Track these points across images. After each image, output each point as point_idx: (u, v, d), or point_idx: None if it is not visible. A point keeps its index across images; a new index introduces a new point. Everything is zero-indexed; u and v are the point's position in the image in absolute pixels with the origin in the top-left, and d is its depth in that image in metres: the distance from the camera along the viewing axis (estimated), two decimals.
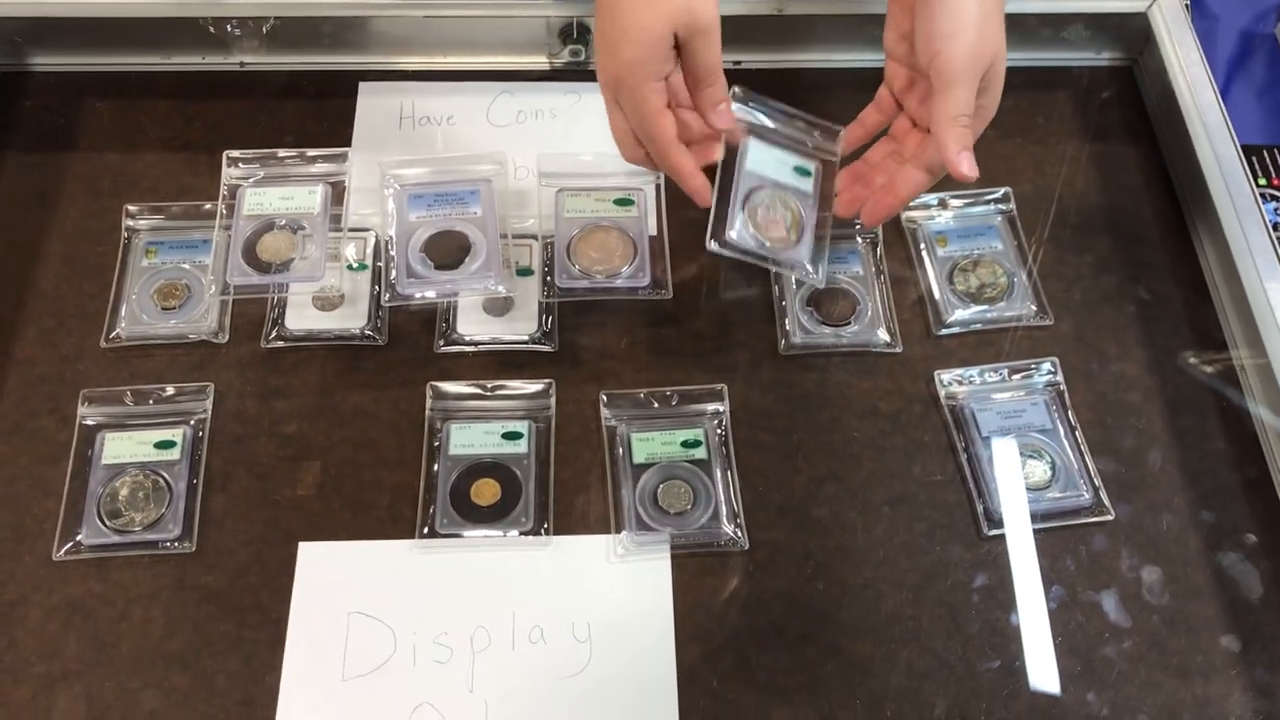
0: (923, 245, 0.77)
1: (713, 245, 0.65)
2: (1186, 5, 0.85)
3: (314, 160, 0.74)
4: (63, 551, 0.64)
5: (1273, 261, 0.71)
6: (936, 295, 0.75)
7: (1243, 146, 0.77)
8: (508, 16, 0.82)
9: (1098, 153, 0.82)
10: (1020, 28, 0.84)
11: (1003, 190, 0.79)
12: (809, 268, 0.68)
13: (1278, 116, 0.86)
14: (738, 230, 0.66)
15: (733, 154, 0.67)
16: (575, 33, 0.83)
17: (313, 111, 0.83)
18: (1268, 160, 0.83)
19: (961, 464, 0.68)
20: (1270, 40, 0.90)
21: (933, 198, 0.79)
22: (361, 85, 0.84)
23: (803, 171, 0.69)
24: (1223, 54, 0.89)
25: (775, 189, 0.68)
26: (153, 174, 0.79)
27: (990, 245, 0.78)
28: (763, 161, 0.68)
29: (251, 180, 0.73)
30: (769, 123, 0.69)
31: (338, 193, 0.72)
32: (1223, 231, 0.74)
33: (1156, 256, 0.78)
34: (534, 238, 0.75)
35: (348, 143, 0.81)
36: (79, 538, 0.64)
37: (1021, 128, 0.83)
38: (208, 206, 0.75)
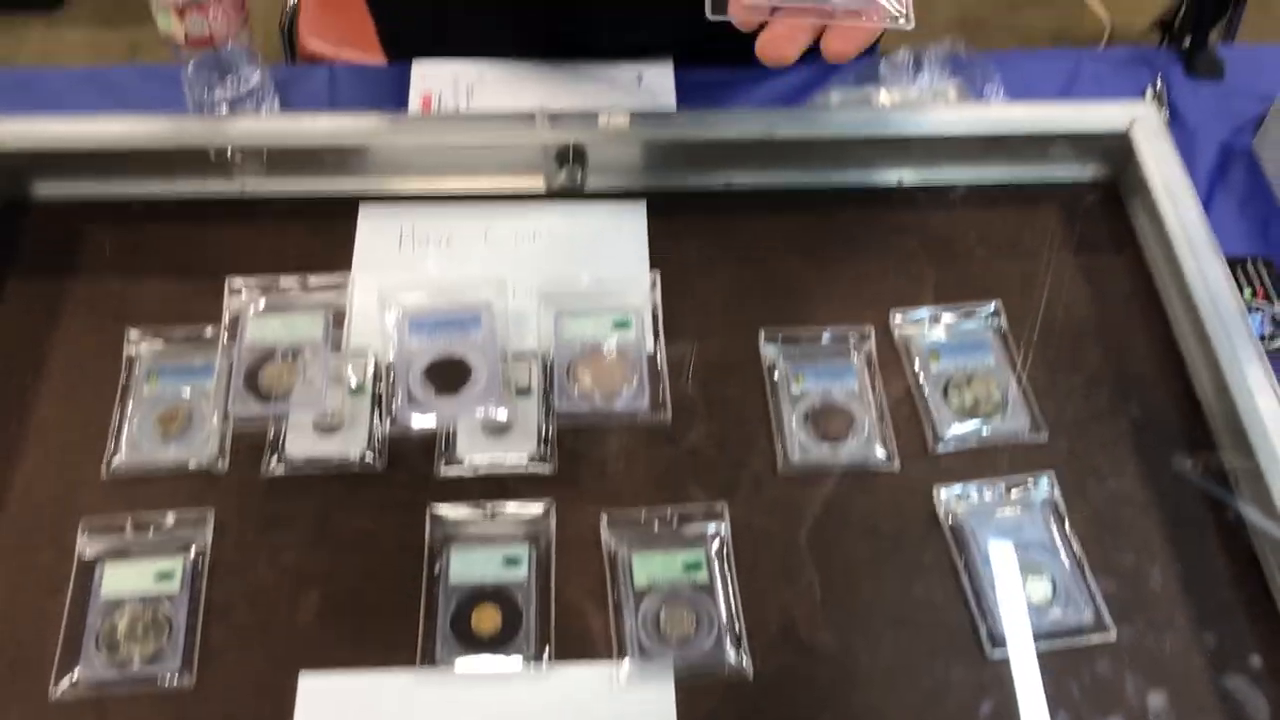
0: (916, 360, 0.78)
1: (716, 14, 0.53)
2: (1166, 121, 0.88)
3: (315, 289, 0.75)
4: (60, 689, 0.63)
5: (1262, 376, 0.72)
6: (932, 411, 0.76)
7: (1227, 258, 0.78)
8: (504, 145, 0.84)
9: (1085, 266, 0.84)
10: (1005, 147, 0.86)
11: (994, 304, 0.80)
12: (892, 3, 0.53)
13: (1259, 227, 0.88)
14: None
15: None
16: (571, 156, 0.85)
17: (314, 235, 0.84)
18: (1252, 271, 0.85)
19: (963, 584, 0.68)
20: (1248, 154, 0.92)
21: (924, 311, 0.80)
22: (362, 208, 0.85)
23: None
24: (1203, 166, 0.91)
25: None
26: (155, 300, 0.80)
27: (983, 360, 0.79)
28: None
29: (253, 308, 0.74)
30: None
31: (339, 318, 0.73)
32: (1211, 346, 0.75)
33: (1147, 369, 0.79)
34: (533, 356, 0.76)
35: (349, 264, 0.82)
36: (76, 673, 0.63)
37: (1010, 243, 0.85)
38: (209, 332, 0.76)
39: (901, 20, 0.53)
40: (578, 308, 0.76)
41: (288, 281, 0.75)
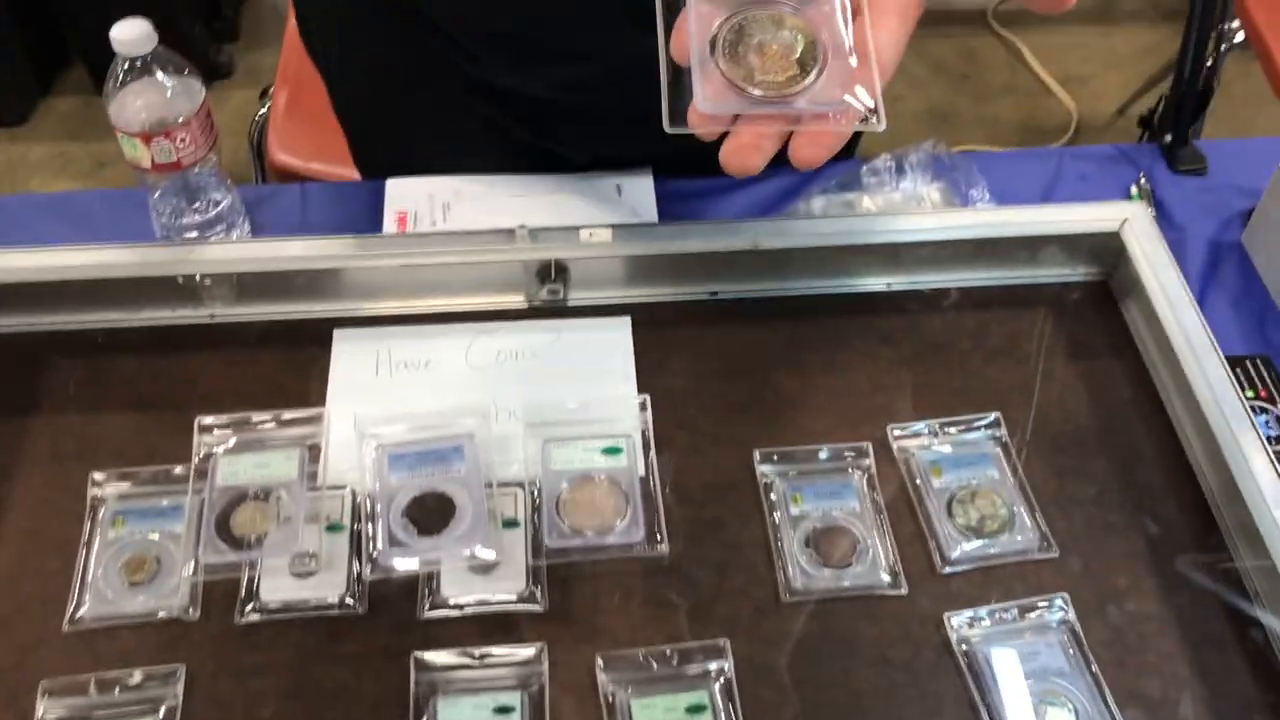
0: (918, 478, 0.75)
1: (674, 127, 0.49)
2: (1155, 219, 0.86)
3: (289, 423, 0.72)
4: None
5: (1274, 479, 0.70)
6: (937, 530, 0.73)
7: (1226, 358, 0.76)
8: (484, 263, 0.81)
9: (1084, 371, 0.82)
10: (995, 250, 0.84)
11: (993, 415, 0.78)
12: (862, 105, 0.49)
13: (1255, 325, 0.86)
14: (712, 87, 0.48)
15: None
16: (553, 272, 0.83)
17: (287, 362, 0.81)
18: (1252, 371, 0.83)
19: (981, 717, 0.65)
20: (1237, 249, 0.91)
21: (922, 425, 0.77)
22: (336, 333, 0.82)
23: None
24: (1194, 263, 0.90)
25: (761, 9, 0.51)
26: (120, 437, 0.76)
27: (986, 474, 0.76)
28: None
29: (224, 448, 0.70)
30: None
31: (315, 453, 0.70)
32: (1220, 451, 0.73)
33: (1154, 478, 0.76)
34: (519, 485, 0.73)
35: (324, 391, 0.79)
36: None
37: (1005, 350, 0.83)
38: (179, 470, 0.72)
39: (872, 120, 0.50)
40: (565, 434, 0.73)
41: (260, 417, 0.72)
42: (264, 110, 1.44)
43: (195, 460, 0.70)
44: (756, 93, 0.49)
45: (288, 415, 0.72)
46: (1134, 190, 0.93)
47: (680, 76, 0.50)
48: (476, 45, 0.84)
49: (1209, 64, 0.90)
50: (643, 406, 0.75)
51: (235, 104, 2.18)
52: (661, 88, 0.50)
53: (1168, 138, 0.96)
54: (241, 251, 0.81)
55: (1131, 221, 0.83)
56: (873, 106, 0.50)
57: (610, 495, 0.70)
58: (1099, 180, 0.95)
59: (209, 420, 0.72)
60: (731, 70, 0.49)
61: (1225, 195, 0.94)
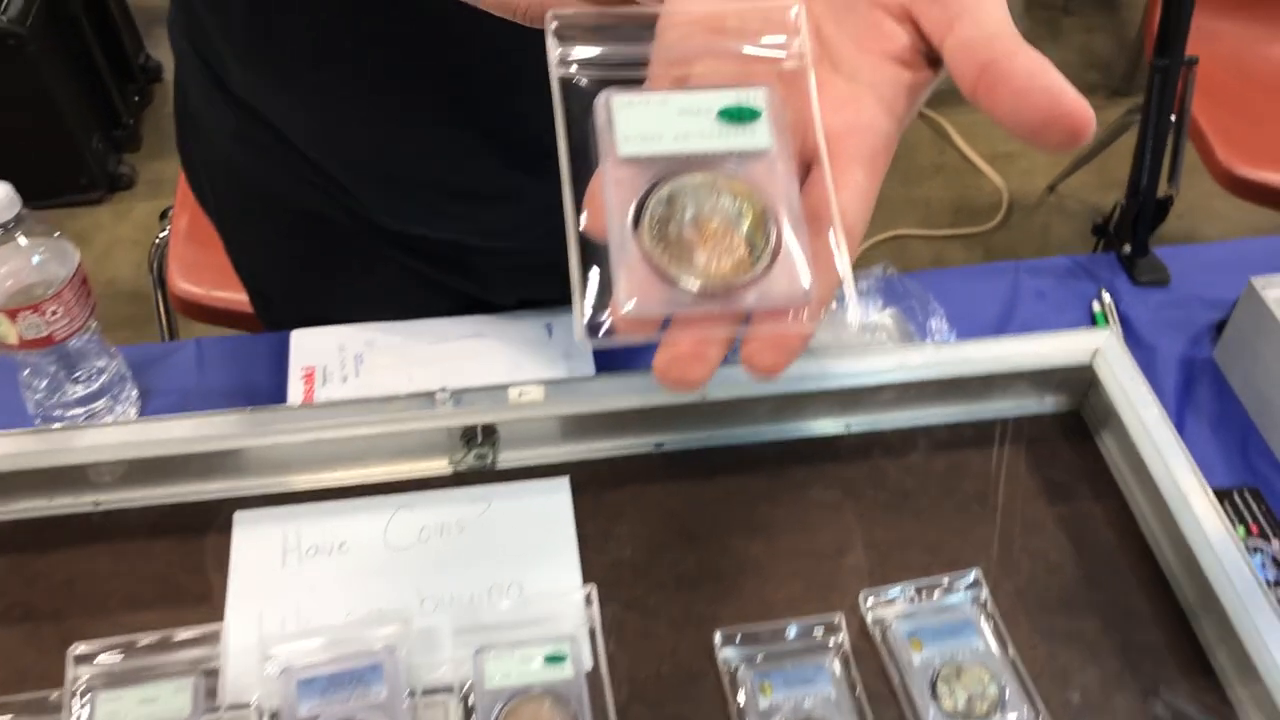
0: (896, 652, 0.68)
1: (588, 340, 0.37)
2: (1121, 339, 0.81)
3: (180, 645, 0.62)
4: None
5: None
6: (922, 716, 0.65)
7: (1214, 491, 0.70)
8: (403, 431, 0.73)
9: (1064, 516, 0.75)
10: (959, 387, 0.78)
11: (973, 574, 0.71)
12: (835, 304, 0.42)
13: (1237, 451, 0.81)
14: (637, 280, 0.37)
15: (582, 122, 0.40)
16: (479, 436, 0.75)
17: (181, 554, 0.72)
18: (1241, 505, 0.77)
19: None
20: (1210, 366, 0.86)
21: (897, 590, 0.70)
22: (237, 515, 0.73)
23: (741, 114, 0.40)
24: (1166, 385, 0.84)
25: (695, 172, 0.39)
26: None
27: (969, 644, 0.68)
28: (651, 124, 0.39)
29: (105, 680, 0.61)
30: (631, 47, 0.42)
31: (211, 684, 0.60)
32: (1218, 601, 0.66)
33: (1152, 636, 0.69)
34: (448, 690, 0.64)
35: (224, 587, 0.69)
36: None
37: (978, 496, 0.76)
38: (54, 697, 0.62)
39: (843, 310, 0.41)
40: (499, 639, 0.64)
41: (147, 639, 0.62)
42: (164, 234, 1.35)
43: (71, 699, 0.60)
44: (695, 286, 0.38)
45: (180, 635, 0.63)
46: (1097, 308, 0.88)
47: (593, 259, 0.38)
48: (377, 191, 0.76)
49: (1169, 171, 0.85)
50: (588, 600, 0.67)
51: (139, 216, 2.08)
52: (572, 282, 0.38)
53: (1126, 248, 0.91)
54: (127, 434, 0.71)
55: (1104, 352, 0.77)
56: (839, 296, 0.41)
57: (554, 713, 0.61)
58: (1057, 296, 0.90)
59: (84, 649, 0.62)
60: (661, 256, 0.38)
61: (1192, 309, 0.89)
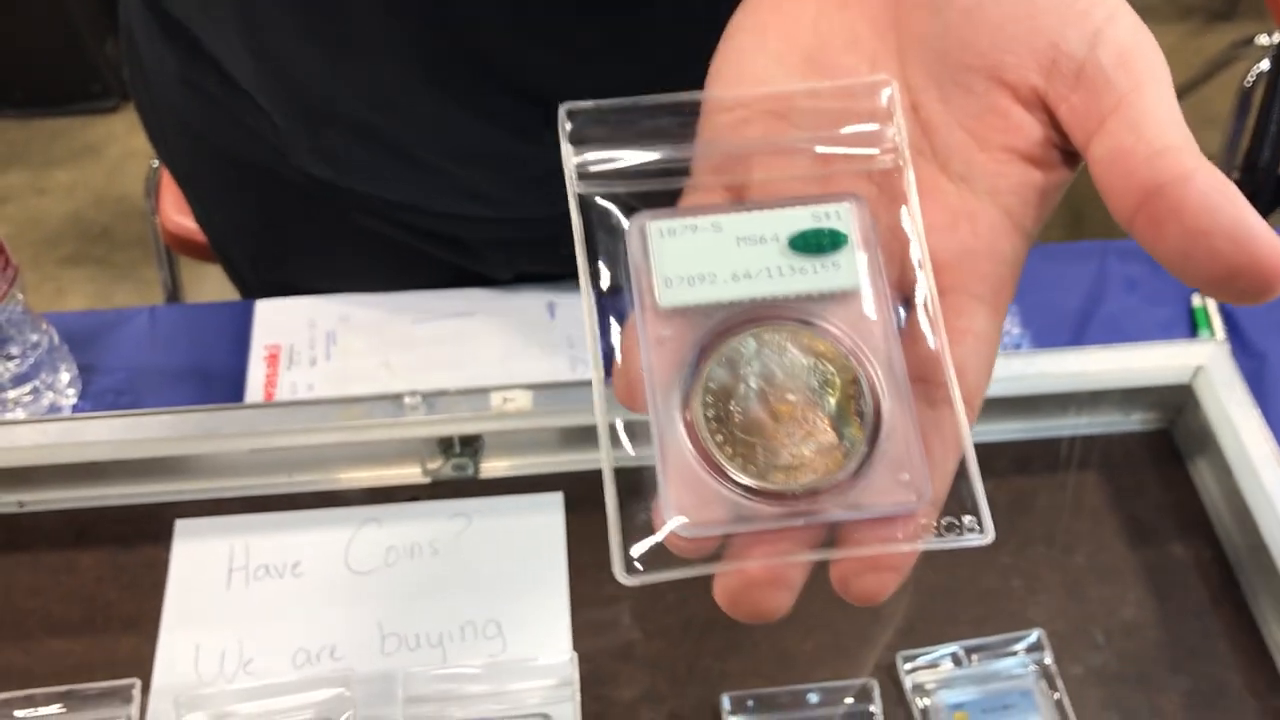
0: None
1: (627, 578, 0.28)
2: (1226, 345, 0.68)
3: (90, 700, 0.53)
4: None
5: None
6: None
7: None
8: (371, 441, 0.62)
9: (1147, 561, 0.63)
10: (1026, 405, 0.66)
11: (1035, 634, 0.60)
12: (970, 521, 0.29)
13: None
14: (689, 484, 0.28)
15: (610, 248, 0.31)
16: (457, 444, 0.64)
17: (113, 567, 0.62)
18: None
19: None
20: None
21: (943, 651, 0.59)
22: (179, 524, 0.64)
23: (819, 241, 0.30)
24: (1277, 404, 0.71)
25: (761, 326, 0.30)
26: None
27: (1025, 719, 0.58)
28: (700, 258, 0.30)
29: None
30: (661, 153, 0.32)
31: None
32: None
33: (1248, 719, 0.58)
34: None
35: (158, 609, 0.60)
36: None
37: (1044, 531, 0.64)
38: None
39: (969, 528, 0.29)
40: (471, 714, 0.54)
41: (47, 711, 0.53)
42: (155, 164, 1.24)
43: None
44: (767, 490, 0.28)
45: (95, 686, 0.53)
46: (1197, 302, 0.74)
47: (629, 447, 0.28)
48: (324, 141, 0.63)
49: None
50: (571, 661, 0.56)
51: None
52: (606, 495, 0.28)
53: None
54: (49, 435, 0.61)
55: (1207, 370, 0.64)
56: (965, 502, 0.29)
57: None
58: (1152, 288, 0.76)
59: None
60: (721, 449, 0.28)
61: None
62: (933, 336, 0.30)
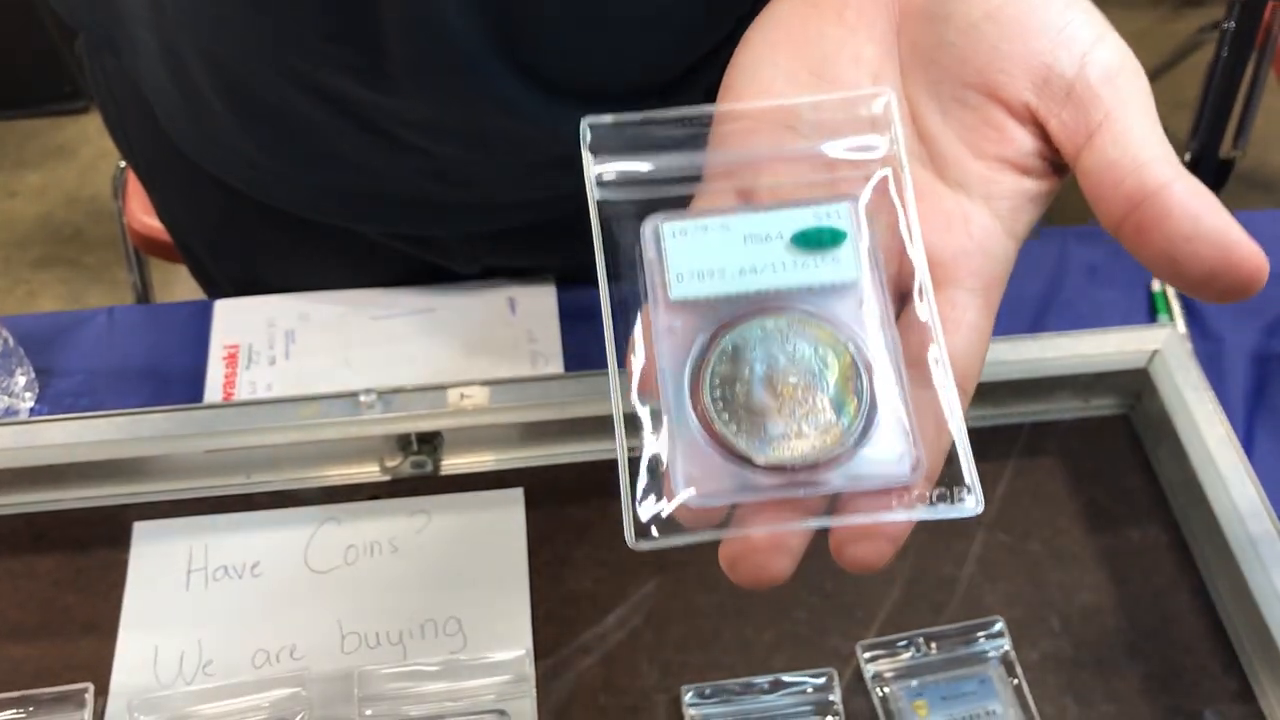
0: (898, 716, 0.57)
1: (639, 542, 0.30)
2: (1185, 335, 0.68)
3: (44, 703, 0.53)
4: None
5: None
6: None
7: None
8: (328, 439, 0.62)
9: (1105, 546, 0.64)
10: (983, 392, 0.66)
11: (994, 622, 0.60)
12: (961, 491, 0.30)
13: None
14: (698, 459, 0.30)
15: (626, 250, 0.33)
16: (415, 443, 0.64)
17: (71, 571, 0.62)
18: None
19: None
20: None
21: (901, 638, 0.59)
22: (137, 527, 0.63)
23: (820, 238, 0.32)
24: (1234, 388, 0.71)
25: (765, 315, 0.32)
26: None
27: (987, 708, 0.58)
28: (709, 255, 0.32)
29: None
30: (674, 161, 0.34)
31: None
32: None
33: (1207, 703, 0.58)
34: None
35: (116, 612, 0.60)
36: None
37: (1003, 518, 0.65)
38: None
39: (961, 496, 0.30)
40: (426, 714, 0.54)
41: (4, 716, 0.53)
42: (123, 165, 1.23)
43: None
44: (770, 464, 0.31)
45: (49, 691, 0.53)
46: (1157, 287, 0.75)
47: (642, 430, 0.31)
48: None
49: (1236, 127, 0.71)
50: (528, 656, 0.56)
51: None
52: (620, 466, 0.30)
53: None
54: (1, 439, 0.61)
55: (1163, 354, 0.64)
56: (955, 474, 0.31)
57: None
58: (1111, 271, 0.77)
59: None
60: (727, 426, 0.31)
61: (1268, 291, 0.75)
62: (928, 325, 0.32)
